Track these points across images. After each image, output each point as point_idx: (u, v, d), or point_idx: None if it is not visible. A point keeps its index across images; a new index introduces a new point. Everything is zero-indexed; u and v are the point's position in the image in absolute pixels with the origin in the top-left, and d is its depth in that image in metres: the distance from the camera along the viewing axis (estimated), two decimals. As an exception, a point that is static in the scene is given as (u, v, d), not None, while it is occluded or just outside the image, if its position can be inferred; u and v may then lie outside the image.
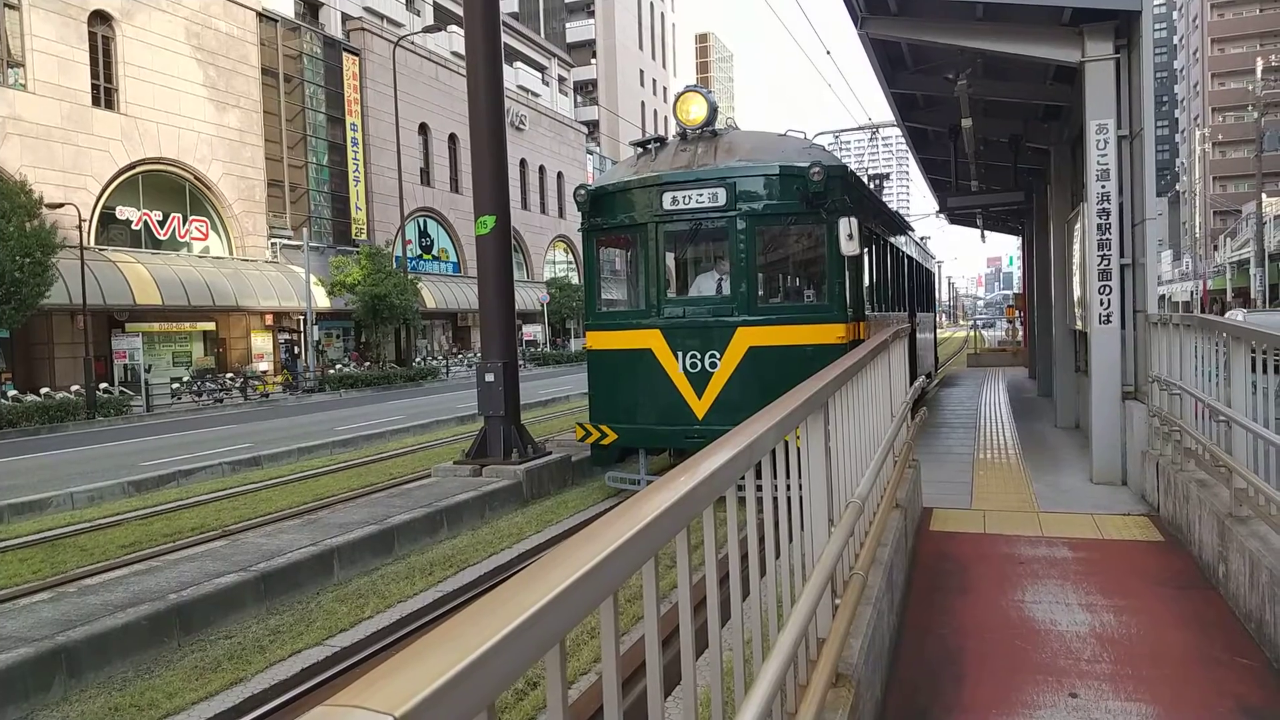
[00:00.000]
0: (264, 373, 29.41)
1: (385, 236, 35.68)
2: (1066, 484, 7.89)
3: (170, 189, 29.10)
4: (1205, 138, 62.57)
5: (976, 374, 23.14)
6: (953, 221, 22.56)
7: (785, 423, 2.19)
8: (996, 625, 4.44)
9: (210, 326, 30.13)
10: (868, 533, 3.56)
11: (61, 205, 21.91)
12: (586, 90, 66.18)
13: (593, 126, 62.81)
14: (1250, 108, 43.83)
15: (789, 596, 2.30)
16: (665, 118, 69.75)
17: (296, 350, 31.42)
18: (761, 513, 2.15)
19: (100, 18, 26.22)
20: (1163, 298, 52.15)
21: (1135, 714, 3.42)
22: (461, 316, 43.03)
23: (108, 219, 26.81)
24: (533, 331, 46.19)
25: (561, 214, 52.55)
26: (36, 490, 10.96)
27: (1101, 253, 7.64)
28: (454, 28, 41.79)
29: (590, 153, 58.35)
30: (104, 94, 26.45)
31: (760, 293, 8.53)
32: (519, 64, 52.19)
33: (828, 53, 21.41)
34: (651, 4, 72.90)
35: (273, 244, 32.01)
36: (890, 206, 13.69)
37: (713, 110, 8.74)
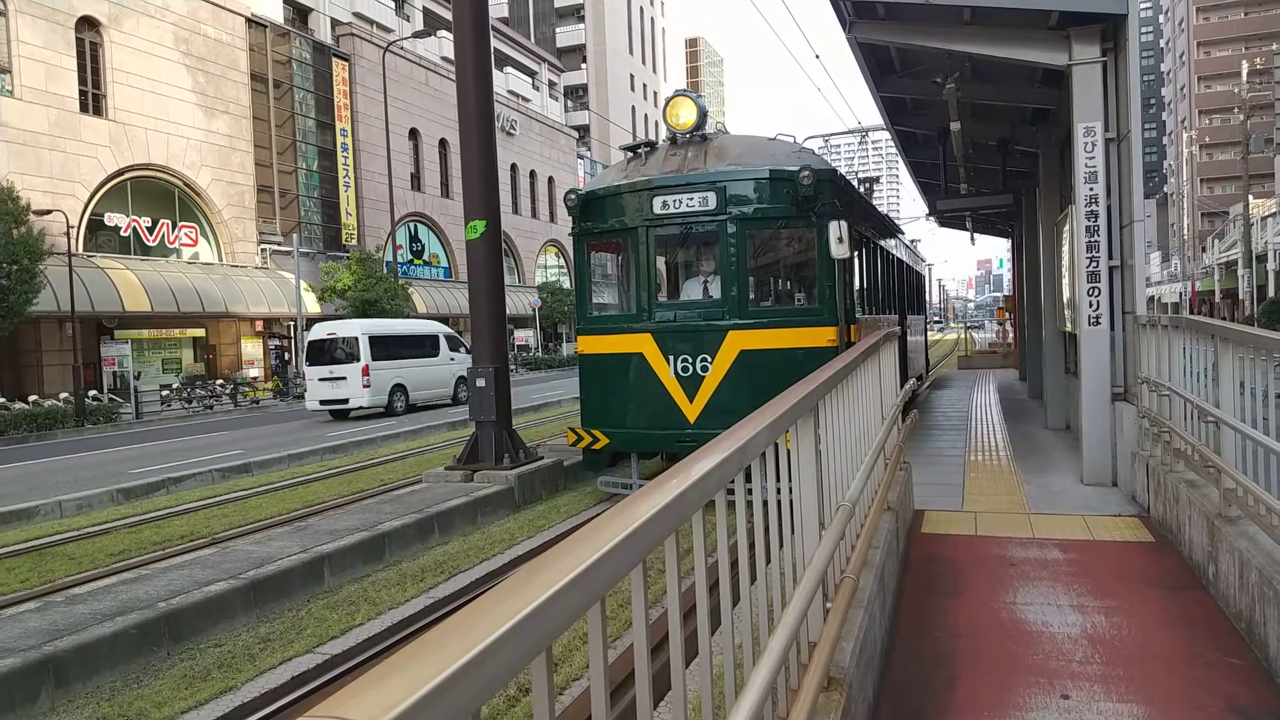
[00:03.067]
0: (254, 379, 29.28)
1: (376, 242, 35.59)
2: (1057, 485, 7.91)
3: (159, 195, 28.97)
4: (1192, 140, 62.98)
5: (967, 376, 23.23)
6: (942, 224, 22.67)
7: (776, 426, 2.19)
8: (988, 627, 4.44)
9: (200, 333, 30.00)
10: (859, 535, 3.56)
11: (49, 212, 21.82)
12: (577, 95, 66.24)
13: (583, 131, 62.84)
14: (1236, 110, 44.16)
15: (780, 600, 2.30)
16: (656, 122, 69.81)
17: (287, 356, 31.31)
18: (752, 516, 2.15)
19: (88, 24, 26.12)
20: (1151, 299, 52.45)
21: (1127, 715, 3.43)
22: (453, 321, 42.89)
23: (96, 225, 26.67)
24: (524, 336, 46.14)
25: (553, 218, 52.54)
26: (24, 499, 10.87)
27: (1090, 255, 7.67)
28: (444, 33, 41.77)
29: (581, 157, 58.38)
30: (92, 100, 26.33)
31: (751, 296, 8.54)
32: (509, 69, 52.17)
33: (817, 57, 21.50)
34: (641, 9, 73.02)
35: (263, 250, 31.89)
36: (880, 210, 13.73)
37: (702, 114, 8.75)
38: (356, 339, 20.12)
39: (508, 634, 0.82)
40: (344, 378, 20.00)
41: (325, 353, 20.36)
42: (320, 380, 20.33)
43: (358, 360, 19.97)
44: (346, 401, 20.13)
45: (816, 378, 2.87)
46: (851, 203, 9.29)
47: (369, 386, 19.85)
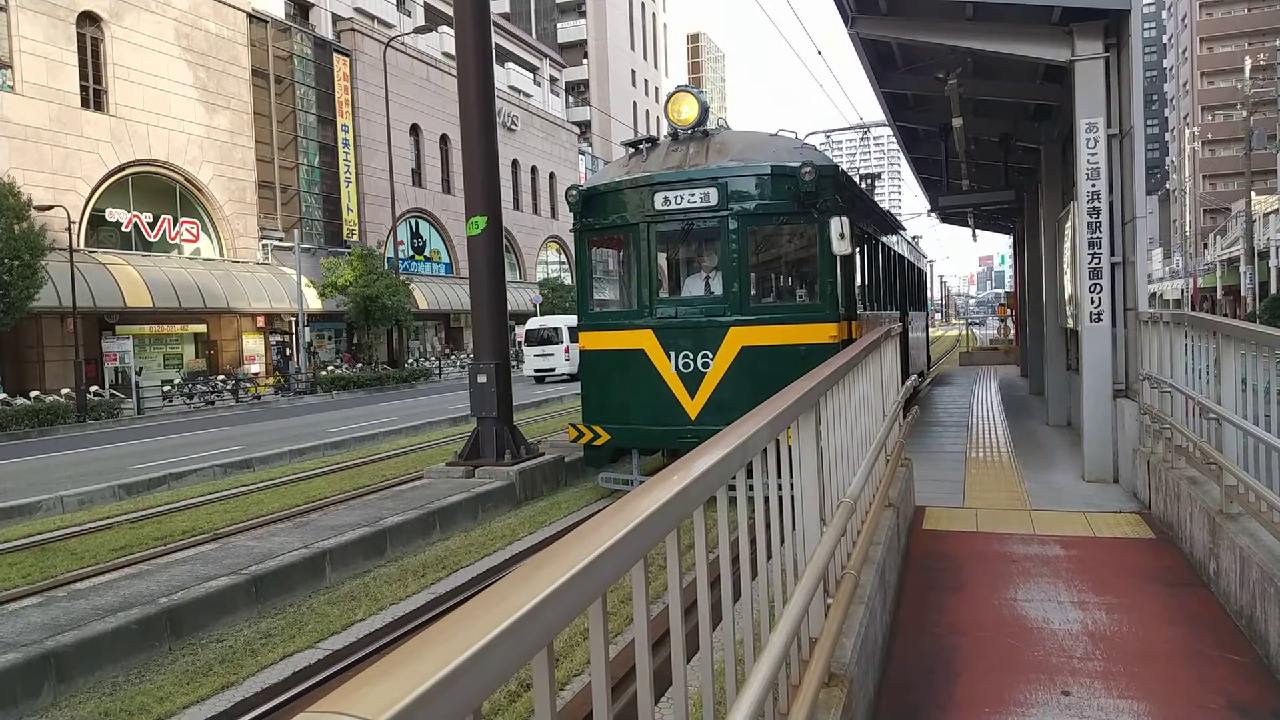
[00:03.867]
0: (256, 375, 29.30)
1: (377, 237, 35.59)
2: (1058, 482, 7.91)
3: (160, 191, 28.97)
4: (1195, 136, 62.81)
5: (969, 373, 23.22)
6: (944, 220, 22.62)
7: (777, 422, 2.19)
8: (989, 623, 4.45)
9: (201, 329, 30.01)
10: (860, 531, 3.56)
11: (50, 207, 21.81)
12: (578, 91, 66.15)
13: (584, 127, 62.78)
14: (1239, 106, 44.01)
15: (781, 596, 2.30)
16: (657, 118, 69.74)
17: (288, 352, 31.31)
18: (754, 513, 2.15)
19: (89, 19, 26.09)
20: (1153, 295, 52.33)
21: (1127, 711, 3.43)
22: (454, 317, 42.96)
23: (97, 221, 26.67)
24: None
25: (554, 214, 52.51)
26: (26, 494, 10.90)
27: (1092, 251, 7.66)
28: (445, 28, 41.70)
29: (582, 153, 58.31)
30: (93, 95, 26.31)
31: (753, 292, 8.53)
32: (510, 64, 52.10)
33: (819, 53, 21.40)
34: (643, 4, 72.87)
35: (264, 245, 31.89)
36: (882, 206, 13.71)
37: (704, 110, 8.72)
38: (560, 328, 29.78)
39: (509, 630, 0.82)
40: (552, 354, 30.12)
41: (538, 337, 30.39)
42: (535, 355, 30.43)
43: (560, 342, 29.81)
44: (553, 370, 29.79)
45: (818, 374, 2.87)
46: (853, 199, 9.27)
47: (569, 360, 28.82)
